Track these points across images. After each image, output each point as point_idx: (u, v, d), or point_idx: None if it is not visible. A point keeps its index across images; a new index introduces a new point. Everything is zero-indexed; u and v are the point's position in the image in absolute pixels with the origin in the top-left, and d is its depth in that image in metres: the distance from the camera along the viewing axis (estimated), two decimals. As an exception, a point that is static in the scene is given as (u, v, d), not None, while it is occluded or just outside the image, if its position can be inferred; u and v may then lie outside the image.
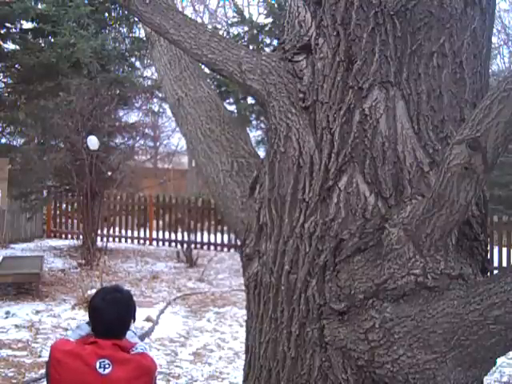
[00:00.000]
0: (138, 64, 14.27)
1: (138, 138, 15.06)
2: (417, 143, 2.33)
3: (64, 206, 15.55)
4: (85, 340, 2.38)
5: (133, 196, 15.43)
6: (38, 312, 7.73)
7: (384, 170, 2.32)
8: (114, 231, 14.96)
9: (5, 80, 11.16)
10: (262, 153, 3.18)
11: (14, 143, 12.11)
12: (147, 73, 16.25)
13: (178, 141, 26.01)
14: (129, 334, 2.48)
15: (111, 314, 2.34)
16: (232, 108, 14.03)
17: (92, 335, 2.39)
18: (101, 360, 2.23)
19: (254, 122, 14.78)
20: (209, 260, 12.33)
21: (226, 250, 14.16)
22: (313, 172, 2.40)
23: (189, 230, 14.31)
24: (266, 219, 2.54)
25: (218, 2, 30.11)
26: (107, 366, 2.23)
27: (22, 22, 10.42)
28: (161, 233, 15.01)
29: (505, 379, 6.03)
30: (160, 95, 14.22)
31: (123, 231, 15.09)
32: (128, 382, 2.26)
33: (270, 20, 14.19)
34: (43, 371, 5.08)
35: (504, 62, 25.40)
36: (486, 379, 2.56)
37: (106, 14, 12.83)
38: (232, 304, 9.00)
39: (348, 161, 2.34)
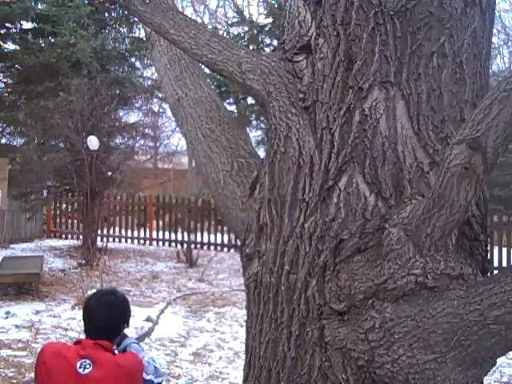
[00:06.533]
0: (138, 64, 14.29)
1: (138, 138, 15.07)
2: (417, 143, 2.33)
3: (64, 205, 15.56)
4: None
5: (133, 196, 15.43)
6: (38, 312, 7.74)
7: (384, 170, 2.32)
8: (114, 231, 14.97)
9: (5, 80, 11.16)
10: (261, 153, 3.18)
11: (14, 143, 12.11)
12: (147, 73, 16.27)
13: (177, 141, 26.03)
14: (134, 347, 2.48)
15: (103, 316, 2.38)
16: (232, 108, 14.03)
17: None
18: (82, 360, 2.25)
19: (254, 122, 14.78)
20: (209, 260, 12.34)
21: (226, 250, 14.17)
22: (313, 172, 2.40)
23: (189, 230, 14.32)
24: (266, 219, 2.54)
25: (218, 2, 30.12)
26: (88, 366, 2.25)
27: (22, 21, 10.43)
28: (161, 233, 15.02)
29: (505, 379, 6.04)
30: (160, 95, 14.23)
31: (123, 231, 15.10)
32: (104, 382, 2.25)
33: (269, 20, 14.19)
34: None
35: (504, 62, 25.42)
36: (486, 379, 2.56)
37: (106, 14, 12.86)
38: (232, 304, 9.01)
39: (348, 161, 2.34)
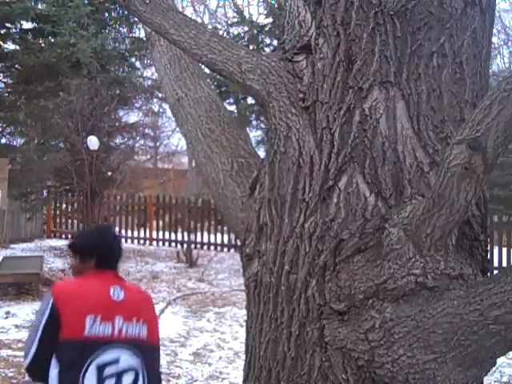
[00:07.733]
0: (138, 64, 14.30)
1: (138, 138, 15.09)
2: (417, 143, 2.33)
3: (64, 206, 15.56)
4: None
5: (133, 196, 15.43)
6: (38, 312, 7.73)
7: (384, 170, 2.32)
8: (113, 231, 14.93)
9: (5, 80, 11.16)
10: (261, 153, 3.18)
11: (14, 143, 12.11)
12: (147, 73, 16.30)
13: (177, 141, 26.06)
14: None
15: (118, 246, 2.58)
16: (232, 108, 14.04)
17: None
18: (113, 286, 2.40)
19: (254, 122, 14.79)
20: (209, 260, 12.34)
21: (226, 250, 14.16)
22: (313, 172, 2.40)
23: (189, 230, 14.31)
24: (266, 219, 2.54)
25: (218, 2, 30.12)
26: (120, 292, 2.41)
27: (22, 22, 10.43)
28: (161, 233, 15.01)
29: (505, 379, 6.03)
30: (160, 95, 14.25)
31: (123, 231, 15.08)
32: (140, 304, 2.46)
33: (270, 20, 14.20)
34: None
35: (504, 62, 25.42)
36: (486, 379, 2.56)
37: (106, 14, 12.87)
38: (232, 304, 9.00)
39: (348, 161, 2.34)
